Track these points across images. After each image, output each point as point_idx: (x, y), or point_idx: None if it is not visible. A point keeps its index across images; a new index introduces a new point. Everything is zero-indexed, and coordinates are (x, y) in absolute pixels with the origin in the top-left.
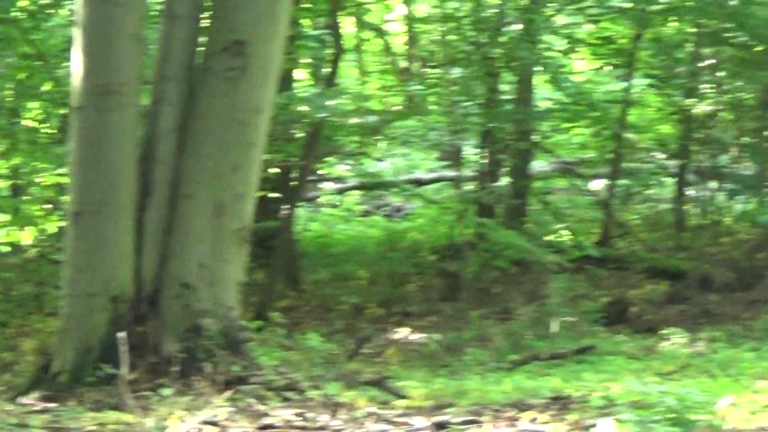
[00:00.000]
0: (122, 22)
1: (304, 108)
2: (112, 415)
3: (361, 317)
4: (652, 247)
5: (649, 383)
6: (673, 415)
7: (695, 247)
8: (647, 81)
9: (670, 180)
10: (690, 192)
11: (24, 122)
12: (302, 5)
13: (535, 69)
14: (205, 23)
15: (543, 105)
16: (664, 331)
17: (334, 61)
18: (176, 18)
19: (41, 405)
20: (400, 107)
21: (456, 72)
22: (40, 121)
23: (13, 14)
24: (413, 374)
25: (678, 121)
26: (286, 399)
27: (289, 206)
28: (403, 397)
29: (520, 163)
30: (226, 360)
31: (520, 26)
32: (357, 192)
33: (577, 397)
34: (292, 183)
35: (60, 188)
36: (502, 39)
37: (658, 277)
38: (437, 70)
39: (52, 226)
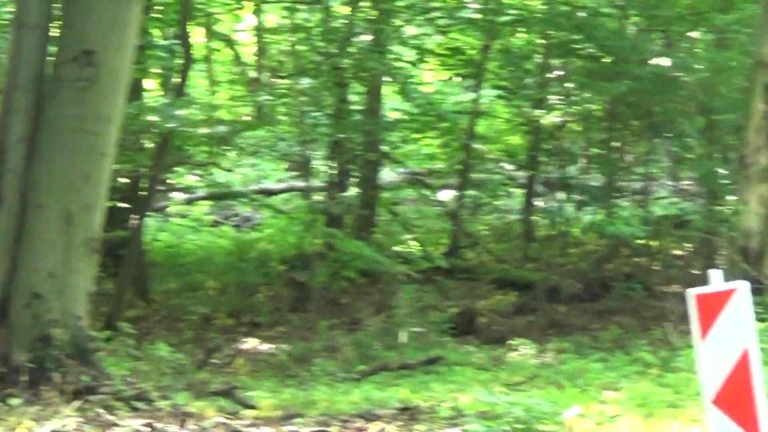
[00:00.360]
0: None
1: (153, 118)
2: None
3: (210, 327)
4: (501, 257)
5: (497, 394)
6: (520, 426)
7: (543, 258)
8: (496, 92)
9: (518, 191)
10: (538, 203)
11: None
12: (152, 15)
13: (384, 79)
14: (55, 33)
15: (392, 115)
16: (512, 342)
17: (184, 71)
18: (26, 27)
19: None
20: (250, 117)
21: (305, 82)
22: None
23: None
24: (262, 384)
25: (527, 132)
26: (135, 409)
27: (138, 216)
28: (251, 407)
29: (369, 174)
30: (75, 370)
31: (369, 37)
32: (206, 202)
33: (425, 408)
34: (141, 193)
35: None
36: (352, 49)
37: (506, 287)
38: (286, 81)
39: None
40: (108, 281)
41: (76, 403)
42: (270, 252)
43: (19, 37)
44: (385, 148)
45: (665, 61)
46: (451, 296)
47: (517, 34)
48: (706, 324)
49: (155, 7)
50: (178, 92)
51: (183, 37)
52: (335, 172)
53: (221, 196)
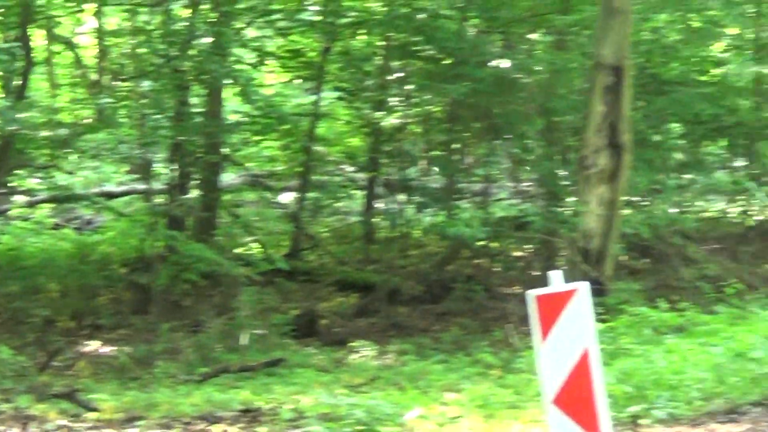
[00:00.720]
0: None
1: None
2: None
3: (52, 330)
4: (342, 259)
5: (339, 395)
6: (362, 427)
7: (384, 260)
8: (336, 94)
9: (359, 193)
10: (379, 205)
11: None
12: None
13: (225, 82)
14: None
15: (233, 118)
16: (353, 344)
17: (25, 74)
18: None
19: None
20: (91, 120)
21: (146, 85)
22: None
23: None
24: (104, 387)
25: (367, 134)
26: None
27: None
28: (93, 409)
29: (210, 176)
30: None
31: (210, 39)
32: (48, 205)
33: (267, 410)
34: None
35: None
36: (192, 52)
37: (347, 289)
38: (127, 83)
39: None
40: None
41: None
42: (111, 254)
43: None
44: (226, 150)
45: (505, 63)
46: (292, 298)
47: (358, 36)
48: (547, 325)
49: None
50: (19, 95)
51: (24, 39)
52: (176, 174)
53: (63, 198)
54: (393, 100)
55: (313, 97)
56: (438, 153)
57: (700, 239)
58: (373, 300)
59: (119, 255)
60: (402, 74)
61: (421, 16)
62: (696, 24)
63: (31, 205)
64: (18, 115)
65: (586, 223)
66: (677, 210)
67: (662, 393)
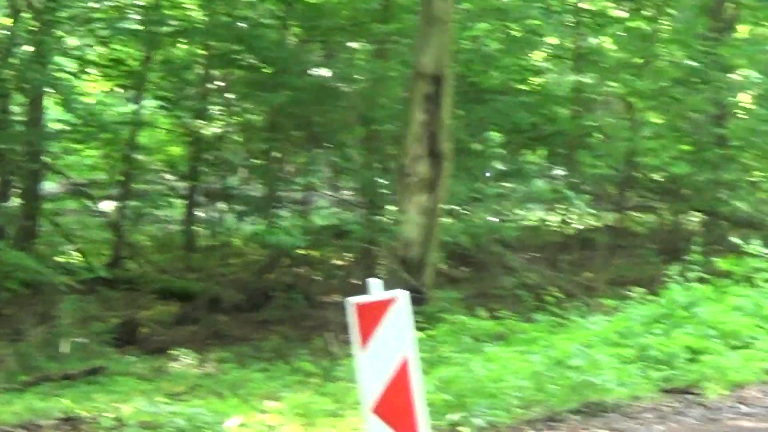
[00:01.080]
0: None
1: None
2: None
3: None
4: (163, 268)
5: (159, 404)
6: None
7: (205, 269)
8: (157, 103)
9: (180, 201)
10: (200, 213)
11: None
12: None
13: (46, 90)
14: None
15: (54, 126)
16: (173, 352)
17: None
18: None
19: None
20: None
21: None
22: None
23: None
24: None
25: (188, 143)
26: None
27: None
28: None
29: (31, 185)
30: None
31: (31, 48)
32: None
33: (87, 418)
34: None
35: None
36: (13, 60)
37: (168, 298)
38: None
39: None
40: None
41: None
42: None
43: None
44: (47, 158)
45: (325, 72)
46: (113, 307)
47: (179, 45)
48: (366, 333)
49: None
50: None
51: None
52: None
53: None
54: (214, 109)
55: (134, 106)
56: (258, 162)
57: (520, 248)
58: (194, 308)
59: None
60: (223, 83)
61: (242, 24)
62: (516, 33)
63: None
64: None
65: (406, 232)
66: (497, 219)
67: (481, 401)
